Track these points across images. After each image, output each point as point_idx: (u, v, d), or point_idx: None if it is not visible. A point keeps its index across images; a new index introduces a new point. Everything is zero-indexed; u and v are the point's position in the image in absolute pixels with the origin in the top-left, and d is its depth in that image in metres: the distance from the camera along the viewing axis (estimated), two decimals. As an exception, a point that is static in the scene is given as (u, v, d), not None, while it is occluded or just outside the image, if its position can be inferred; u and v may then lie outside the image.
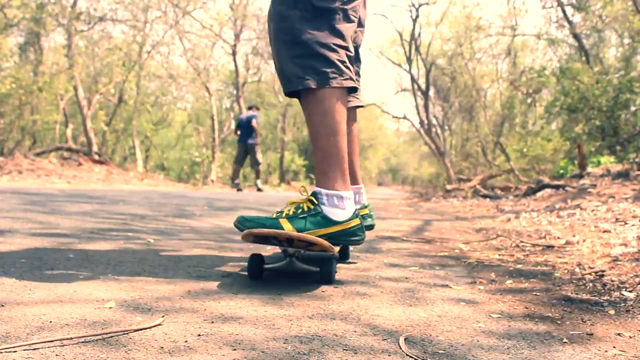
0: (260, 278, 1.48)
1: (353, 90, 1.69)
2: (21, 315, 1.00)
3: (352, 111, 1.90)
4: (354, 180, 1.86)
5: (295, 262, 1.52)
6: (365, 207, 1.95)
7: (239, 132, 10.46)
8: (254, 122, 10.25)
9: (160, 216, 3.43)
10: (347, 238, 1.50)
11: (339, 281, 1.51)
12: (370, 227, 1.95)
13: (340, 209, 1.51)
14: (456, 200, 8.83)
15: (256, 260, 1.46)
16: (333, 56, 1.52)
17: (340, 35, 1.55)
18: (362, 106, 1.99)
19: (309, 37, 1.52)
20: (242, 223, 1.47)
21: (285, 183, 22.98)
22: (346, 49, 1.56)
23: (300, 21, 1.52)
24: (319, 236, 1.43)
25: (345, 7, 1.57)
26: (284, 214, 1.49)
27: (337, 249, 1.60)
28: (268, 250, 2.03)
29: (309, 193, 1.54)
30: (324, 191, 1.52)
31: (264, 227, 1.42)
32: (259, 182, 10.65)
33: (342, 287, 1.43)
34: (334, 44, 1.53)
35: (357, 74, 1.87)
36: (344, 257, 1.93)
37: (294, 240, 1.39)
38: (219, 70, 22.31)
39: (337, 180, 1.53)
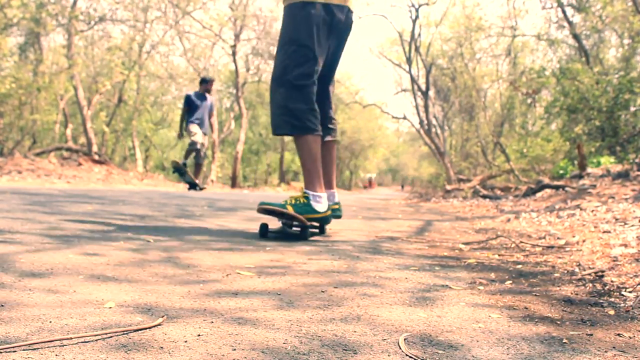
0: (266, 237, 2.49)
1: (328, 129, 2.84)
2: (21, 315, 0.99)
3: (329, 143, 2.88)
4: (330, 186, 2.88)
5: (286, 229, 2.66)
6: (337, 204, 2.94)
7: None
8: None
9: (160, 216, 3.42)
10: (323, 221, 2.66)
11: (339, 281, 1.51)
12: (339, 217, 3.03)
13: (319, 203, 2.57)
14: (456, 200, 8.83)
15: (264, 226, 2.54)
16: (302, 116, 2.53)
17: (307, 100, 2.53)
18: (337, 141, 3.00)
19: (289, 103, 2.53)
20: (260, 204, 2.54)
21: (285, 183, 22.98)
22: (311, 109, 2.55)
23: (284, 96, 2.54)
24: (307, 219, 2.53)
25: (311, 82, 2.55)
26: (288, 202, 2.54)
27: (315, 223, 2.65)
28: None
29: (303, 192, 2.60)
30: (310, 192, 2.58)
31: (275, 207, 2.51)
32: None
33: (342, 288, 1.43)
34: (303, 109, 2.52)
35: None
36: (321, 232, 2.83)
37: (285, 214, 2.52)
38: (220, 70, 22.28)
39: (317, 186, 2.58)
